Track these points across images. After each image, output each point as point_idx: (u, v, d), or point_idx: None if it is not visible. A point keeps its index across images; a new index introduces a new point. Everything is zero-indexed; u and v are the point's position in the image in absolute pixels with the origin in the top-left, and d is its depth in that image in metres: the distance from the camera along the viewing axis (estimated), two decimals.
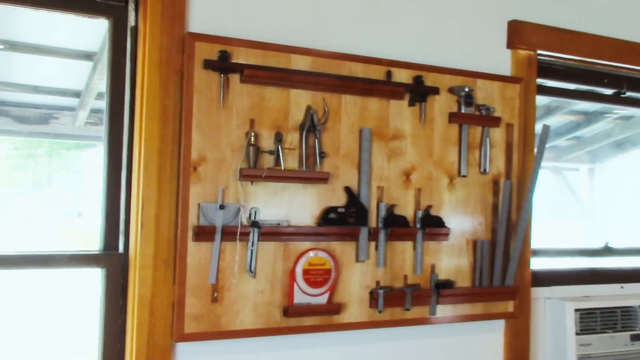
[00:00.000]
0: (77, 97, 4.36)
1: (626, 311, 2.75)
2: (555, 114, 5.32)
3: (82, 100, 4.29)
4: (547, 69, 2.68)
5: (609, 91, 2.95)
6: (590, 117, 5.81)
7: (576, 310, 2.64)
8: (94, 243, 2.03)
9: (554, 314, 2.66)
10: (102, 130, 2.05)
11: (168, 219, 1.93)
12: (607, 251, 3.04)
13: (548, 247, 2.85)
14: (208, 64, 1.95)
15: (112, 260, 1.97)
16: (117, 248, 2.00)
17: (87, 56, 3.81)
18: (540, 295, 2.66)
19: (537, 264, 2.65)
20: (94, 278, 2.02)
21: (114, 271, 1.97)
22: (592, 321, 2.67)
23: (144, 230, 1.90)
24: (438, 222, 2.30)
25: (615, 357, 2.69)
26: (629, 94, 2.95)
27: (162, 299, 1.92)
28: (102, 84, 3.90)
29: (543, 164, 2.41)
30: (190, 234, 1.93)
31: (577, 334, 2.62)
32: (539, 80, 2.60)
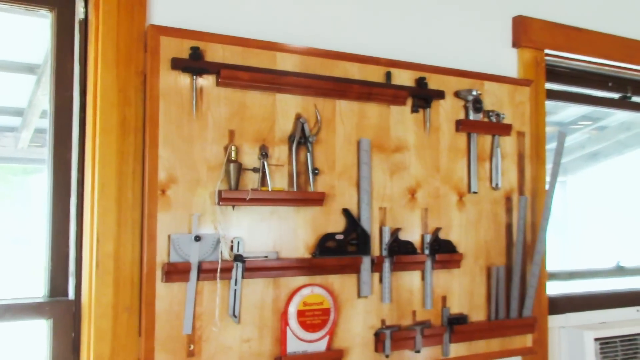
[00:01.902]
0: (20, 115, 3.92)
1: None
2: None
3: (25, 119, 3.84)
4: (551, 71, 2.41)
5: (614, 95, 2.70)
6: (564, 129, 5.65)
7: (596, 339, 2.35)
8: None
9: (571, 345, 2.36)
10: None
11: (131, 256, 1.55)
12: (619, 271, 2.78)
13: (561, 269, 2.57)
14: (177, 64, 1.60)
15: (60, 309, 1.58)
16: (66, 294, 1.61)
17: (30, 69, 3.40)
18: (555, 324, 2.36)
19: (549, 289, 2.35)
20: (39, 331, 1.62)
21: (63, 323, 1.58)
22: (612, 351, 2.38)
23: (100, 270, 1.52)
24: (449, 247, 1.98)
25: None
26: (634, 98, 2.72)
27: (124, 356, 1.53)
28: (47, 99, 3.51)
29: None
30: (158, 273, 1.56)
31: None
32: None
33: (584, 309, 2.47)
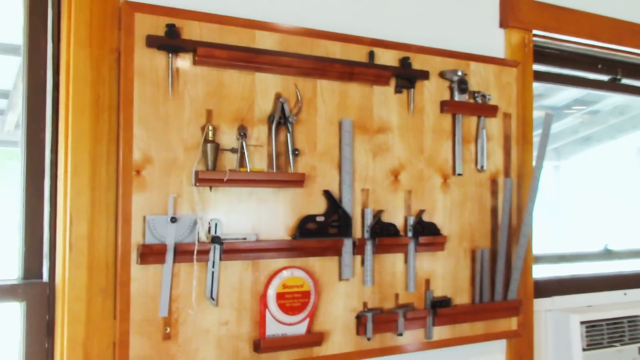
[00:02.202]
0: (5, 97, 3.86)
1: (632, 321, 2.47)
2: None
3: (11, 101, 3.79)
4: (539, 53, 2.38)
5: (603, 77, 2.67)
6: (557, 113, 5.61)
7: (582, 323, 2.34)
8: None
9: (557, 328, 2.35)
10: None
11: (105, 238, 1.53)
12: (607, 254, 2.77)
13: (548, 252, 2.55)
14: (152, 41, 1.56)
15: (34, 292, 1.55)
16: (40, 276, 1.58)
17: (15, 50, 3.35)
18: (541, 307, 2.35)
19: (535, 272, 2.33)
20: (13, 313, 1.60)
21: (37, 305, 1.55)
22: (598, 334, 2.37)
23: (73, 252, 1.49)
24: (432, 230, 1.95)
25: None
26: (623, 80, 2.69)
27: (99, 338, 1.51)
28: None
29: None
30: (134, 255, 1.53)
31: (583, 349, 2.32)
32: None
33: (571, 292, 2.46)
